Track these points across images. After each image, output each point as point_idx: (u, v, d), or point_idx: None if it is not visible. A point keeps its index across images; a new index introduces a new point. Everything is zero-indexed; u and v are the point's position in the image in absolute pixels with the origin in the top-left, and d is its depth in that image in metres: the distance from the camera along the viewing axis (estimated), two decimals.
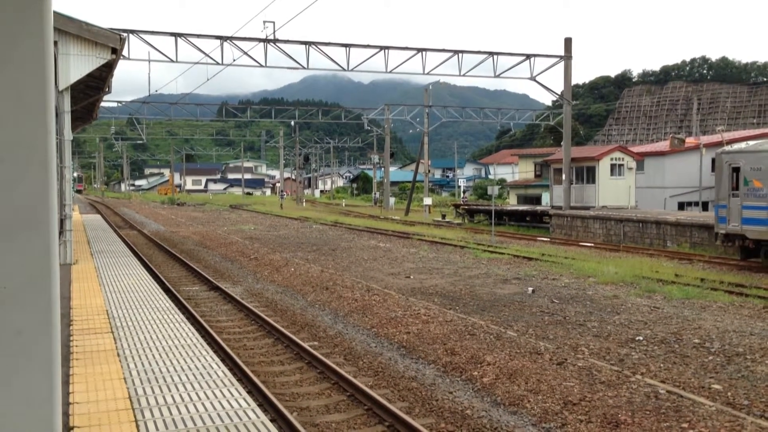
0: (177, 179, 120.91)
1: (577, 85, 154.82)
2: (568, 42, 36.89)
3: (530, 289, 17.40)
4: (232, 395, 7.25)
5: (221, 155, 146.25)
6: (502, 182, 71.93)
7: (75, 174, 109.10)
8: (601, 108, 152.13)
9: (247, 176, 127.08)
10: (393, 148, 76.72)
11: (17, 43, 1.29)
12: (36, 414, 1.34)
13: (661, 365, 10.42)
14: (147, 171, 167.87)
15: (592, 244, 30.09)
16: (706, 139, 47.03)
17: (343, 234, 35.41)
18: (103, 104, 34.33)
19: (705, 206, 39.24)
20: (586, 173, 37.43)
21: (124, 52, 24.22)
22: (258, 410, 6.86)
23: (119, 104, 62.44)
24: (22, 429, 1.32)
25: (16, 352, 1.32)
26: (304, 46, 31.50)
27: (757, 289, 17.16)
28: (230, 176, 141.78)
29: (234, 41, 30.57)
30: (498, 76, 35.90)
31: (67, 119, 17.35)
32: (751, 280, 19.18)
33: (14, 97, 1.30)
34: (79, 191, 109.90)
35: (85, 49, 15.85)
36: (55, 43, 15.18)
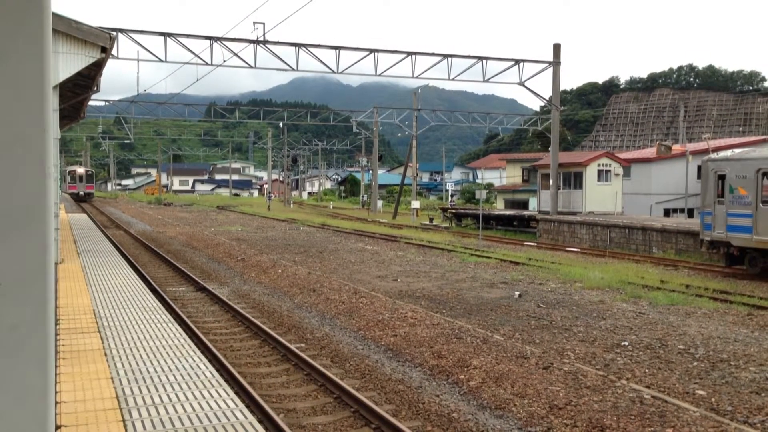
0: (164, 179, 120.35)
1: (565, 91, 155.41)
2: (556, 48, 37.08)
3: (517, 293, 17.46)
4: (220, 396, 7.24)
5: (209, 156, 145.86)
6: (489, 186, 72.20)
7: (82, 170, 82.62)
8: (588, 114, 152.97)
9: (235, 177, 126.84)
10: (381, 151, 76.81)
11: (15, 41, 1.30)
12: (30, 409, 1.34)
13: (646, 370, 10.49)
14: (134, 171, 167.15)
15: (579, 250, 30.22)
16: (692, 146, 47.38)
17: (330, 236, 35.39)
18: (90, 103, 34.19)
19: (691, 213, 39.50)
20: (573, 179, 37.59)
21: (113, 51, 24.13)
22: (246, 411, 6.86)
23: (107, 103, 62.26)
24: (16, 424, 1.33)
25: (11, 348, 1.33)
26: (293, 47, 31.51)
27: (741, 296, 17.30)
28: (218, 177, 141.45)
29: (224, 42, 30.53)
30: (487, 81, 36.03)
31: (55, 118, 17.27)
32: (736, 287, 19.33)
33: (11, 95, 1.30)
34: (89, 194, 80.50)
35: (75, 48, 15.77)
36: None
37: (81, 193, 78.52)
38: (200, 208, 71.52)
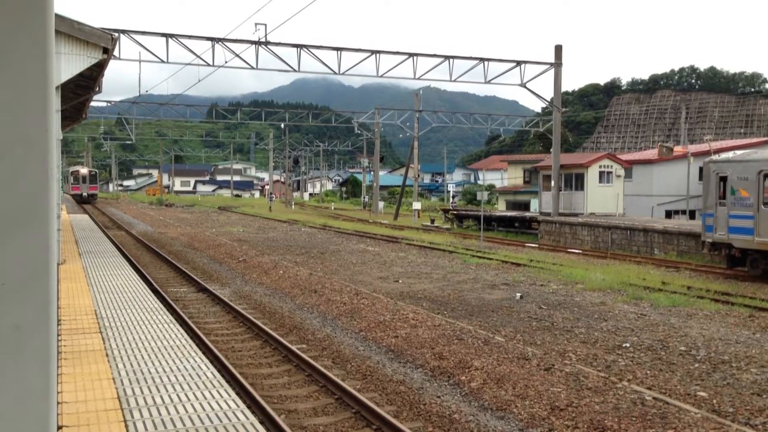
0: (165, 180, 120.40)
1: (566, 93, 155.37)
2: (558, 49, 37.06)
3: (518, 294, 17.45)
4: (221, 396, 7.24)
5: (210, 157, 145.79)
6: (491, 188, 72.14)
7: (85, 170, 77.57)
8: (590, 115, 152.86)
9: (236, 178, 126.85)
10: (383, 152, 76.80)
11: (18, 42, 1.30)
12: (31, 409, 1.35)
13: (648, 372, 10.48)
14: (135, 171, 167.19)
15: (580, 251, 30.21)
16: (693, 147, 47.35)
17: (332, 237, 35.40)
18: (92, 104, 34.19)
19: (692, 215, 39.48)
20: (574, 180, 37.58)
21: (115, 52, 24.13)
22: (247, 411, 6.86)
23: (108, 104, 62.24)
24: (17, 424, 1.33)
25: (13, 348, 1.33)
26: (295, 48, 31.51)
27: (742, 298, 17.29)
28: (219, 178, 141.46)
29: (225, 43, 30.54)
30: (488, 82, 36.03)
31: (57, 118, 17.28)
32: (737, 288, 19.32)
33: (14, 95, 1.31)
34: (93, 195, 75.87)
35: (77, 49, 15.78)
36: None
37: (84, 194, 74.42)
38: (201, 208, 71.55)
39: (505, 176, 72.59)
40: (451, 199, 71.23)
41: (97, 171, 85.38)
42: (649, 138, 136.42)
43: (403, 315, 14.32)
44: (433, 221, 49.84)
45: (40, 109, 1.34)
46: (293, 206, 78.51)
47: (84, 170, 77.63)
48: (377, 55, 32.70)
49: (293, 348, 12.14)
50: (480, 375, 10.41)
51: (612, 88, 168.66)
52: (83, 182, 75.20)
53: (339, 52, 32.48)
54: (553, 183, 37.05)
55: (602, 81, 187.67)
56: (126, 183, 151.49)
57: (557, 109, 38.26)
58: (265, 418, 8.49)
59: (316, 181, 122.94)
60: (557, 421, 8.58)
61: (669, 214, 41.70)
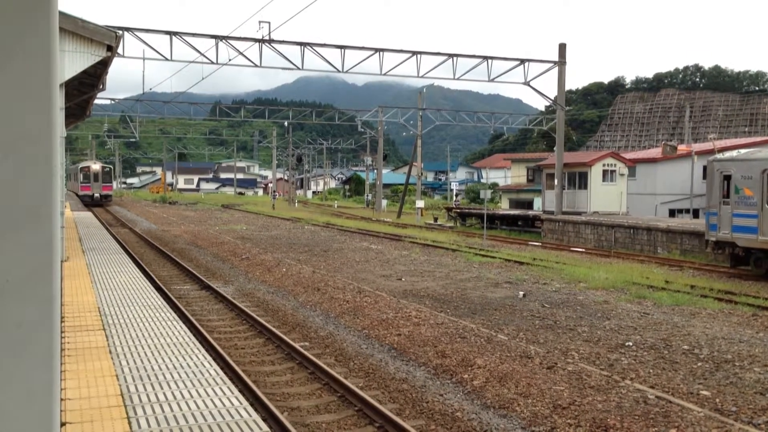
0: (169, 178, 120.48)
1: (570, 91, 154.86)
2: (562, 48, 37.01)
3: (521, 293, 17.45)
4: (224, 393, 7.25)
5: (214, 155, 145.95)
6: (494, 186, 72.06)
7: (98, 166, 65.10)
8: (594, 114, 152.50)
9: (240, 176, 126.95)
10: (386, 150, 76.78)
11: (23, 40, 1.30)
12: (36, 406, 1.35)
13: (651, 371, 10.47)
14: (139, 169, 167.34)
15: (583, 250, 30.17)
16: (697, 146, 47.24)
17: (335, 235, 35.40)
18: (96, 101, 34.20)
19: (696, 213, 39.41)
20: (578, 179, 37.53)
21: (119, 50, 24.15)
22: (250, 409, 6.87)
23: (112, 102, 62.06)
24: (22, 420, 1.34)
25: (17, 345, 1.33)
26: (299, 46, 31.47)
27: (746, 297, 17.26)
28: (222, 176, 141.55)
29: (229, 41, 30.52)
30: (492, 81, 35.95)
31: (61, 116, 17.29)
32: (741, 287, 19.29)
33: (19, 93, 1.31)
34: (107, 196, 64.63)
35: (81, 46, 15.80)
36: None
37: (96, 194, 62.60)
38: (205, 206, 71.59)
39: (508, 175, 72.51)
40: (454, 198, 71.21)
41: (111, 167, 72.03)
42: (653, 136, 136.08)
43: (405, 313, 14.33)
44: (436, 219, 49.82)
45: (44, 107, 1.34)
46: (296, 204, 78.52)
47: (96, 166, 65.05)
48: (381, 53, 32.66)
49: (296, 346, 12.15)
50: (482, 373, 10.41)
51: (616, 87, 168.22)
52: (95, 180, 63.51)
53: (342, 50, 32.43)
54: (556, 181, 37.01)
55: (606, 79, 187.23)
56: (130, 181, 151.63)
57: (561, 107, 38.20)
58: (267, 415, 8.51)
59: (319, 179, 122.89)
60: (560, 419, 8.58)
61: (672, 213, 41.63)
